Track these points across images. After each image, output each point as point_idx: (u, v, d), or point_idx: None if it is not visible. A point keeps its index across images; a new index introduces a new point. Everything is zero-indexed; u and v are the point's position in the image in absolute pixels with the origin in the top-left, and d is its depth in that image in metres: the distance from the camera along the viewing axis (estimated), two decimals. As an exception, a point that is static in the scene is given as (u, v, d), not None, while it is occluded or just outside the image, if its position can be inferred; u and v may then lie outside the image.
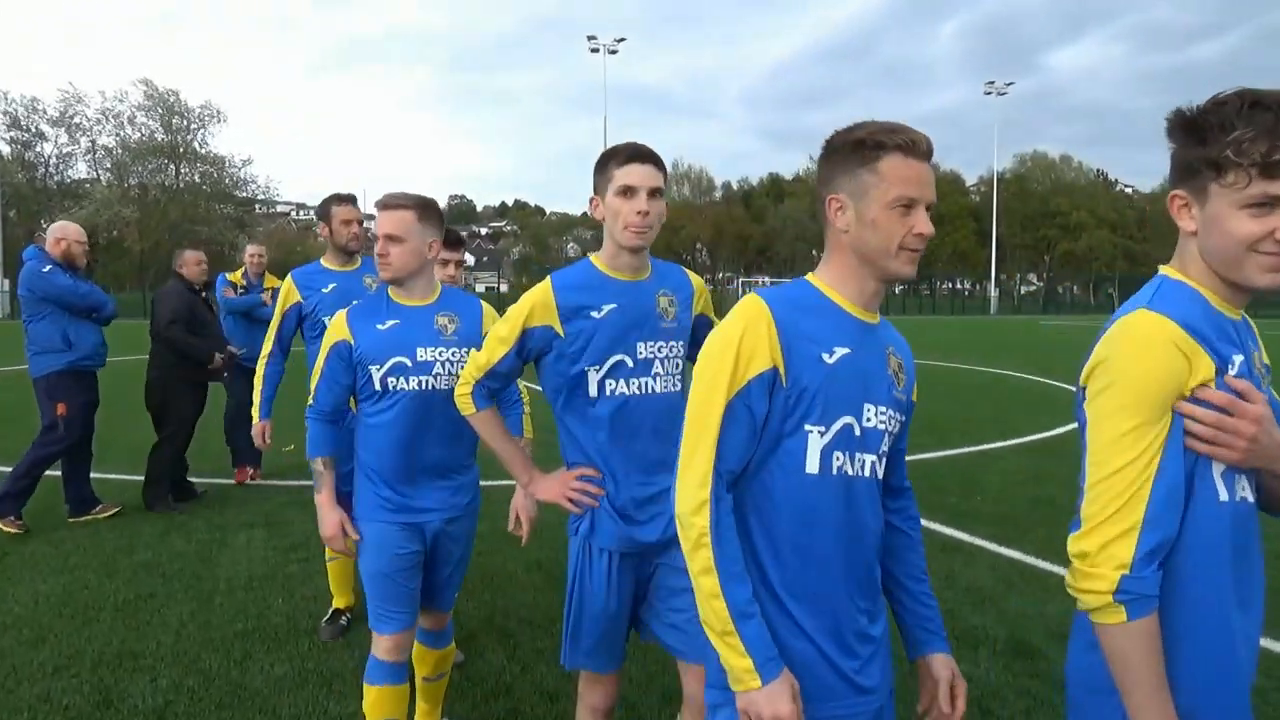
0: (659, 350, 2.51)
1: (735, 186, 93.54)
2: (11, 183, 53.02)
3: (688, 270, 2.77)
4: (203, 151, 57.88)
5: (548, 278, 2.50)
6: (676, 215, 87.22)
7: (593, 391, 2.44)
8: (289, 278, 4.32)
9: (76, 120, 55.73)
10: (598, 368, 2.43)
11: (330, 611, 4.41)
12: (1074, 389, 1.73)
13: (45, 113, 55.45)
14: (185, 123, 56.78)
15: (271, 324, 4.25)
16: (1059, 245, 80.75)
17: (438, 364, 2.89)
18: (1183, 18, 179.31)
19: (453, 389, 2.75)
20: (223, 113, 58.59)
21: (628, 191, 2.42)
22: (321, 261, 4.37)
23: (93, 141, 57.10)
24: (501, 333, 2.49)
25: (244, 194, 61.24)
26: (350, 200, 4.40)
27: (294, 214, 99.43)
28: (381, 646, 2.89)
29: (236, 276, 7.76)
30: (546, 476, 2.57)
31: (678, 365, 2.57)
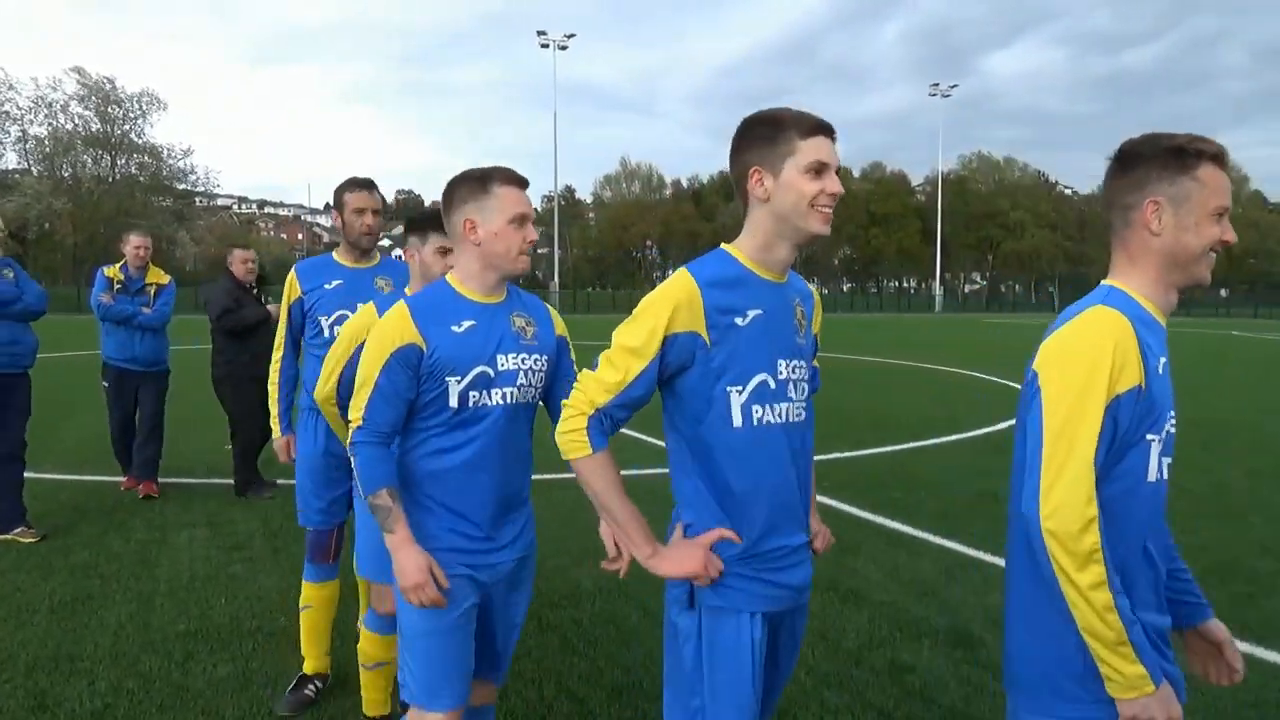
0: (794, 371, 2.08)
1: (685, 184, 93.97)
2: (-65, 173, 51.19)
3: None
4: (140, 142, 56.43)
5: (684, 269, 2.02)
6: (626, 213, 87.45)
7: (736, 420, 1.99)
8: (292, 270, 3.89)
9: (6, 109, 53.89)
10: (740, 388, 1.99)
11: (296, 678, 3.71)
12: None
13: (-29, 100, 53.52)
14: (122, 111, 55.27)
15: (280, 322, 3.86)
16: (1002, 245, 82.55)
17: (521, 373, 2.45)
18: (1117, 25, 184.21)
19: (534, 403, 2.48)
20: (162, 100, 56.92)
21: (820, 169, 1.96)
22: (333, 255, 3.84)
23: (23, 131, 55.28)
24: (632, 342, 1.96)
25: (183, 186, 59.82)
26: (366, 186, 3.76)
27: (235, 207, 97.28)
28: None
29: (115, 271, 6.92)
30: (671, 547, 2.02)
31: (804, 391, 2.13)
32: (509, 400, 2.43)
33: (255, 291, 7.25)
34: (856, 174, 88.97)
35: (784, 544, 2.05)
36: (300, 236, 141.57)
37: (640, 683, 3.75)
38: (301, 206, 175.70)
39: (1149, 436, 1.74)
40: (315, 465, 3.62)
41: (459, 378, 2.36)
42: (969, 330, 37.36)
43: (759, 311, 2.00)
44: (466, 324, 2.39)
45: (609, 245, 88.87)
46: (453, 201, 2.42)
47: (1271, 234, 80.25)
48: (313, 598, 3.72)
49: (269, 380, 3.86)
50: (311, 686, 3.67)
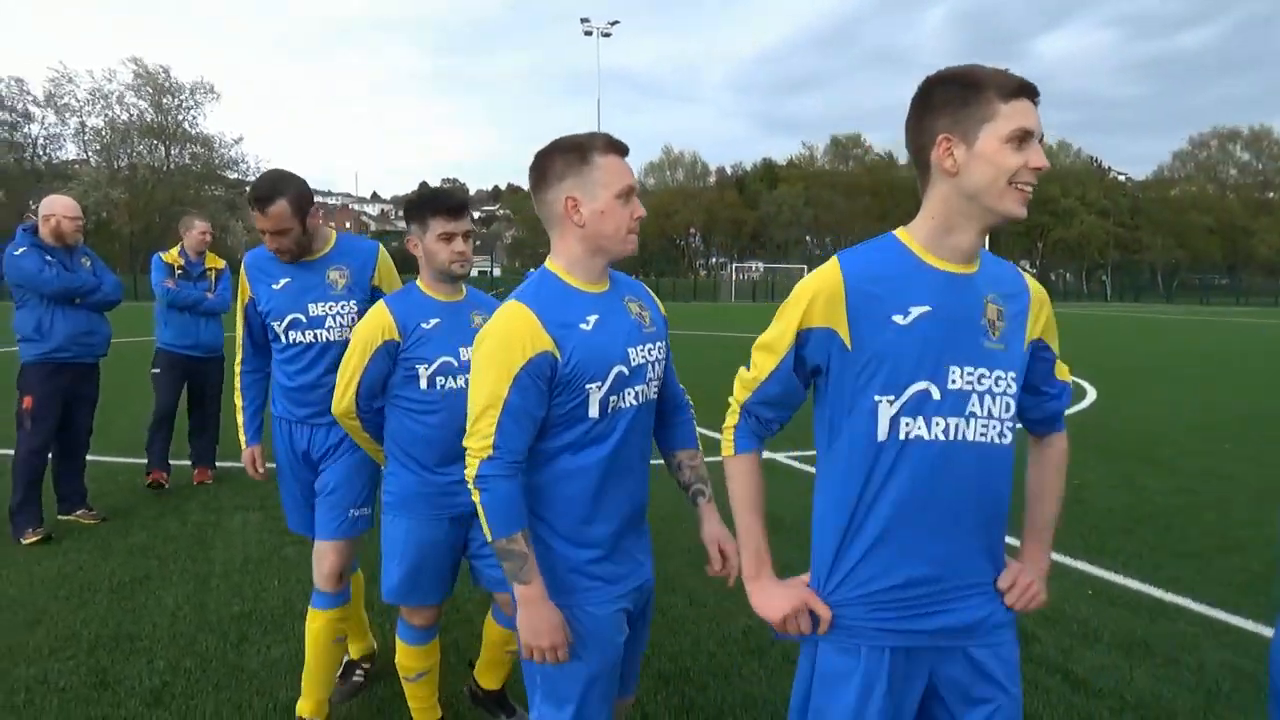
0: (980, 381, 1.76)
1: (729, 171, 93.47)
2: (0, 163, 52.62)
3: (1023, 270, 1.95)
4: (193, 131, 57.46)
5: (834, 257, 1.79)
6: (670, 201, 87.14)
7: (881, 433, 1.75)
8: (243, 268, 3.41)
9: (65, 101, 55.24)
10: (893, 399, 1.74)
11: (343, 664, 3.68)
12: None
13: (31, 94, 54.99)
14: (177, 101, 56.31)
15: (238, 324, 3.48)
16: (1051, 232, 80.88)
17: (649, 366, 2.18)
18: (1169, 5, 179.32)
19: (655, 399, 2.23)
20: (215, 90, 57.85)
21: (1023, 139, 1.69)
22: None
23: (81, 122, 56.60)
24: (767, 337, 1.83)
25: (234, 175, 60.80)
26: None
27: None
28: None
29: (173, 256, 6.83)
30: (774, 584, 1.87)
31: (1008, 407, 1.80)
32: (640, 399, 2.15)
33: None
34: (903, 161, 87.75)
35: (917, 576, 1.77)
36: (348, 225, 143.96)
37: (687, 671, 3.74)
38: (349, 195, 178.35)
39: None
40: (299, 475, 3.42)
41: (599, 383, 2.06)
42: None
43: (926, 309, 1.72)
44: (592, 319, 2.08)
45: (652, 233, 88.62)
46: (546, 177, 2.09)
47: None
48: (319, 627, 3.36)
49: (235, 387, 3.54)
50: (359, 671, 3.69)
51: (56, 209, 5.59)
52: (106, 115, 56.34)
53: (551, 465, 2.09)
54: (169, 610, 4.35)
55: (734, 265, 71.55)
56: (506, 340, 2.00)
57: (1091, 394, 12.32)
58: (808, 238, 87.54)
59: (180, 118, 56.87)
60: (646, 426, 2.21)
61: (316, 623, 3.30)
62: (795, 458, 8.82)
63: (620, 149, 2.11)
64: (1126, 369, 16.26)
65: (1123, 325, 32.85)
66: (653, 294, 2.35)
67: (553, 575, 2.09)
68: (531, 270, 3.90)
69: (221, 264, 7.14)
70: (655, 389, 2.23)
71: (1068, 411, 2.04)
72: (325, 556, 3.28)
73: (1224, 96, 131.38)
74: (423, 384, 2.90)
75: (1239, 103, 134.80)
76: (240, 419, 3.52)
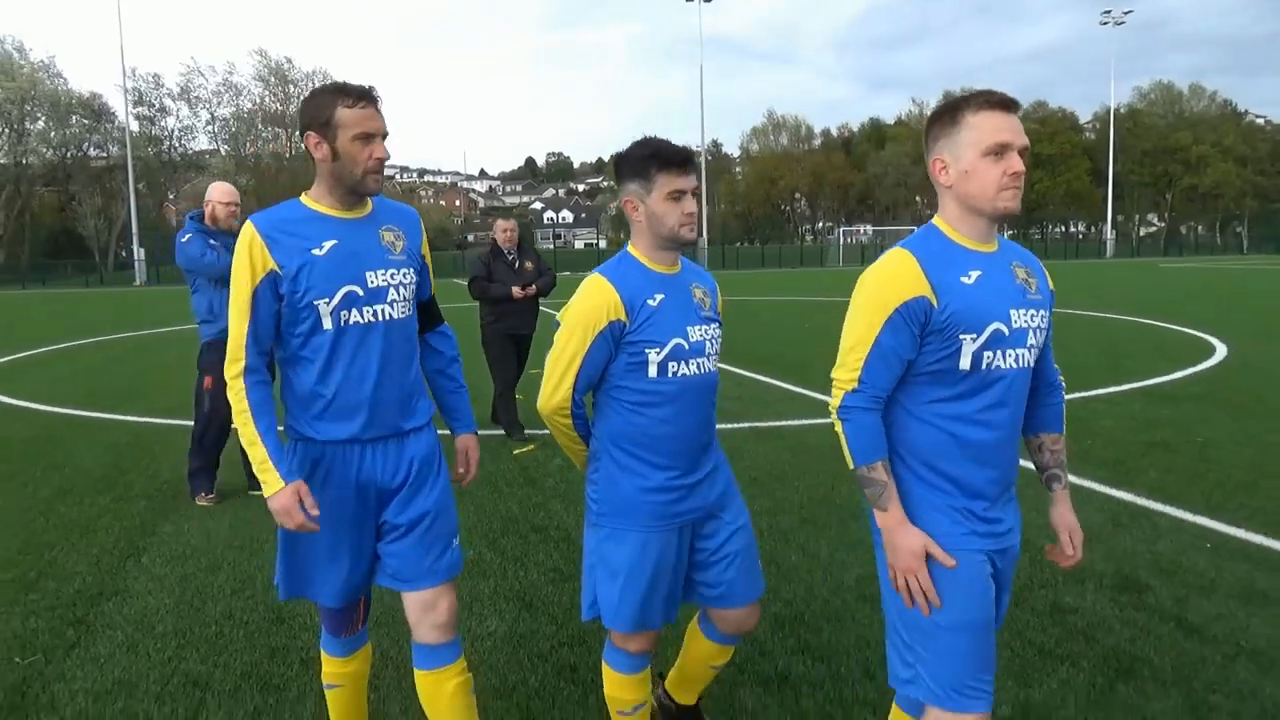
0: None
1: (834, 134, 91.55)
2: (141, 156, 56.13)
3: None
4: (311, 119, 59.98)
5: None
6: (774, 166, 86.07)
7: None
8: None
9: (197, 94, 58.46)
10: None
11: None
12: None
13: (166, 87, 58.43)
14: (298, 90, 58.90)
15: (244, 320, 2.47)
16: (1181, 181, 76.33)
17: (1032, 332, 2.19)
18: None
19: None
20: (331, 75, 60.30)
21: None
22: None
23: (211, 114, 59.83)
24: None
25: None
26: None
27: (397, 176, 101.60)
28: None
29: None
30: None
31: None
32: (1020, 364, 2.16)
33: (510, 258, 7.90)
34: (1019, 112, 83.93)
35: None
36: (458, 203, 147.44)
37: (801, 615, 3.97)
38: (458, 174, 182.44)
39: None
40: (345, 515, 2.56)
41: (974, 335, 2.10)
42: (1143, 276, 35.00)
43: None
44: (974, 274, 2.12)
45: (756, 200, 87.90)
46: (929, 142, 2.20)
47: None
48: (341, 674, 2.84)
49: (236, 403, 2.46)
50: None
51: (213, 195, 6.02)
52: (234, 106, 59.42)
53: (937, 410, 2.17)
54: (328, 558, 4.83)
55: (841, 229, 70.26)
56: (890, 282, 2.11)
57: (1221, 350, 11.82)
58: (917, 198, 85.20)
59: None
60: (1026, 387, 2.23)
61: (450, 683, 2.61)
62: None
63: (1001, 104, 2.12)
64: (1260, 325, 15.46)
65: (1257, 279, 30.97)
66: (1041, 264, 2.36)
67: (927, 505, 2.18)
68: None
69: None
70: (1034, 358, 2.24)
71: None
72: (440, 601, 2.60)
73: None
74: (652, 371, 2.51)
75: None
76: (261, 450, 2.43)
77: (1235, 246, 74.70)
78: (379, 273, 2.50)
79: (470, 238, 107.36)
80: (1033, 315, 2.17)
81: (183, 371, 6.40)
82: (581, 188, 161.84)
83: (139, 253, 48.69)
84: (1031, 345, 2.17)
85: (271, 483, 2.40)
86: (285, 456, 2.46)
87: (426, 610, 2.58)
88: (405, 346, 2.60)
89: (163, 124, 59.63)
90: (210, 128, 60.30)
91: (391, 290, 2.53)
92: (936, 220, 2.21)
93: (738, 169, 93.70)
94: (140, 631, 3.96)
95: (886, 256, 2.17)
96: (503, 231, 8.00)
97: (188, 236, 5.87)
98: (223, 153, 59.56)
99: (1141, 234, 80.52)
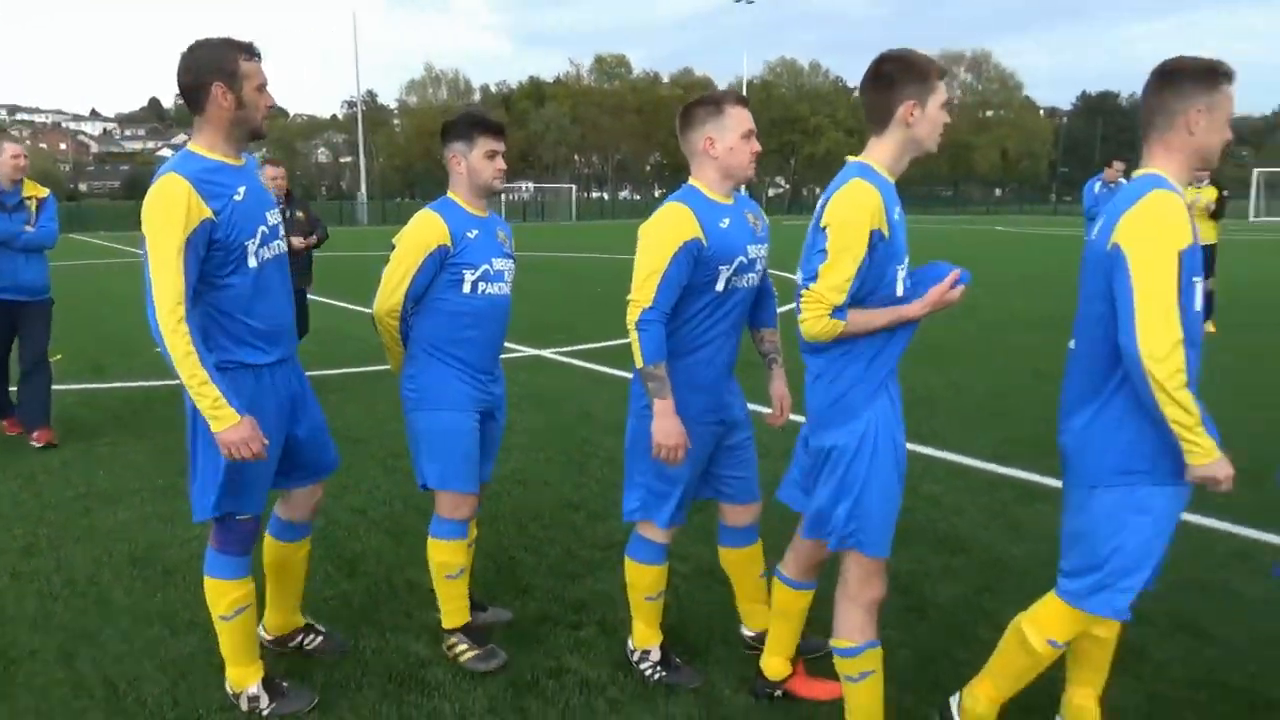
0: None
1: (494, 90, 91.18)
2: None
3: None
4: None
5: (863, 180, 2.56)
6: (434, 120, 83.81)
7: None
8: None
9: None
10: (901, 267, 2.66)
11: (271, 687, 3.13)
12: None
13: None
14: None
15: (177, 264, 2.61)
16: (802, 149, 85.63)
17: (758, 261, 3.06)
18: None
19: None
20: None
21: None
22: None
23: None
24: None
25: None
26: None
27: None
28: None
29: None
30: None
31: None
32: (749, 285, 3.03)
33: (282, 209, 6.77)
34: (666, 79, 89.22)
35: None
36: (64, 146, 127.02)
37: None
38: (61, 112, 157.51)
39: None
40: (278, 431, 2.95)
41: (727, 265, 2.91)
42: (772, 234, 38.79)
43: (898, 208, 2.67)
44: (726, 221, 2.93)
45: (416, 153, 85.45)
46: (695, 123, 2.97)
47: (1038, 138, 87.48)
48: (247, 594, 3.02)
49: (180, 348, 2.60)
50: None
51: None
52: None
53: (689, 323, 2.97)
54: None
55: (503, 185, 70.25)
56: (671, 228, 2.86)
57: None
58: (576, 157, 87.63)
59: None
60: (747, 308, 3.15)
61: (302, 552, 3.36)
62: (563, 353, 9.13)
63: (746, 101, 3.07)
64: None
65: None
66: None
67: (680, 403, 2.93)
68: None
69: (44, 192, 6.15)
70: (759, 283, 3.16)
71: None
72: (319, 489, 3.31)
73: (949, 17, 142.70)
74: (466, 288, 3.23)
75: (961, 24, 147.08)
76: (214, 389, 2.63)
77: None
78: (272, 212, 2.93)
79: (82, 187, 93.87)
80: (760, 249, 3.04)
81: None
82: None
83: None
84: (759, 270, 3.05)
85: (226, 417, 2.65)
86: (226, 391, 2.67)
87: (310, 497, 3.25)
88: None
89: None
90: None
91: (280, 227, 2.98)
92: (694, 181, 2.98)
93: (396, 122, 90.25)
94: None
95: (667, 208, 2.92)
96: (271, 180, 7.22)
97: None
98: None
99: (770, 195, 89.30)
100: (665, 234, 2.85)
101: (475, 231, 3.27)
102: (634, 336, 2.86)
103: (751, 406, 3.24)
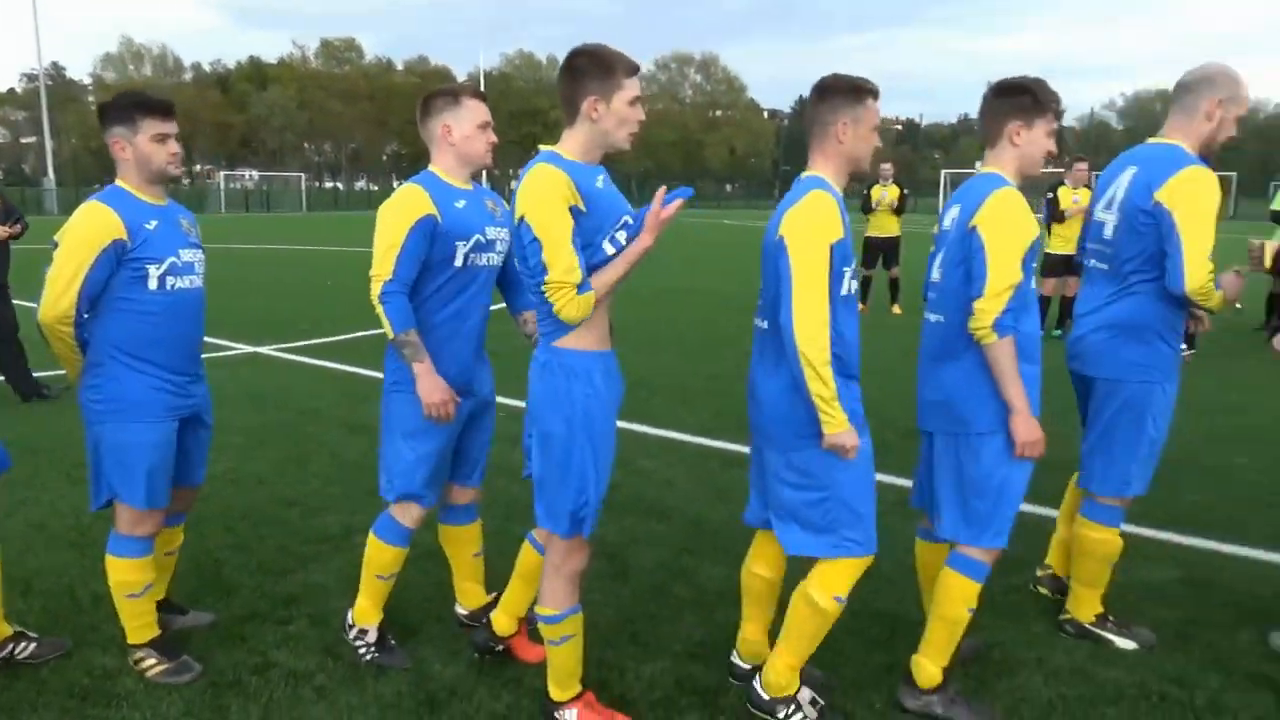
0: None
1: (208, 69, 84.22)
2: None
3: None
4: None
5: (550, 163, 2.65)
6: (138, 97, 75.89)
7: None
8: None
9: None
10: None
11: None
12: None
13: None
14: None
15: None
16: (542, 140, 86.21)
17: (498, 242, 3.17)
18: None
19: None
20: None
21: (636, 101, 2.69)
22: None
23: None
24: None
25: None
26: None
27: None
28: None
29: None
30: None
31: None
32: (491, 264, 3.16)
33: None
34: (400, 66, 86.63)
35: None
36: None
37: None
38: None
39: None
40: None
41: (464, 241, 3.03)
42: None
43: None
44: (461, 202, 3.07)
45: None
46: (433, 113, 3.09)
47: (762, 137, 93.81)
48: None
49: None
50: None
51: None
52: None
53: (432, 298, 3.07)
54: None
55: (223, 173, 65.22)
56: (408, 205, 2.98)
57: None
58: (306, 144, 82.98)
59: None
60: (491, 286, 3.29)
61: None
62: (288, 349, 8.79)
63: (484, 95, 3.24)
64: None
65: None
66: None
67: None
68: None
69: None
70: (500, 262, 3.25)
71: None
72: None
73: (677, 19, 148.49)
74: (152, 284, 3.00)
75: (687, 25, 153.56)
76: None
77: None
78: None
79: None
80: (500, 231, 3.15)
81: None
82: None
83: None
84: (500, 251, 3.17)
85: None
86: None
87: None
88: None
89: None
90: None
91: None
92: (432, 167, 3.11)
93: (91, 99, 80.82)
94: None
95: (404, 188, 3.04)
96: None
97: None
98: None
99: (514, 187, 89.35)
100: (401, 211, 2.97)
101: (155, 222, 3.04)
102: (380, 310, 2.97)
103: (500, 400, 3.34)
